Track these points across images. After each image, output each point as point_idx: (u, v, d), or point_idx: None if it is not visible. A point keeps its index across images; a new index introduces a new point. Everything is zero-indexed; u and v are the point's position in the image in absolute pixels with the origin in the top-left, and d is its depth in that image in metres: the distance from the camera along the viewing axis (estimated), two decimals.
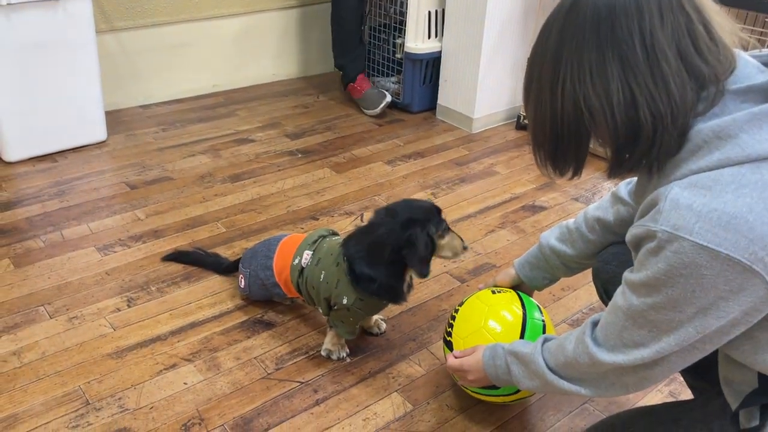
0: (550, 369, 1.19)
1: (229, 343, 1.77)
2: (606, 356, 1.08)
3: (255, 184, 2.58)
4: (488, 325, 1.46)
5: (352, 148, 2.91)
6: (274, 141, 2.94)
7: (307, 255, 1.71)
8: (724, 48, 0.95)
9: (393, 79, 3.42)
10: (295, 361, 1.72)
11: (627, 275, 1.05)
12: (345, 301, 1.61)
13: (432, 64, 3.21)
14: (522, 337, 1.45)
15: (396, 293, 1.60)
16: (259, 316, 1.87)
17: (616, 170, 1.03)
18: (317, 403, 1.60)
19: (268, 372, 1.68)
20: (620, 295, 1.06)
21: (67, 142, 2.71)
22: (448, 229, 1.59)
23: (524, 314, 1.47)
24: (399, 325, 1.87)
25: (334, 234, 1.80)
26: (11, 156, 2.60)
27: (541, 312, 1.52)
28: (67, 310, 1.85)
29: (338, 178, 2.66)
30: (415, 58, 3.15)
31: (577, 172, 1.06)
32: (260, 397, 1.60)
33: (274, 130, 3.05)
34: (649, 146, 0.96)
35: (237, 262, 1.94)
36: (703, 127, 0.94)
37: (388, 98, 3.23)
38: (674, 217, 0.92)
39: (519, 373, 1.26)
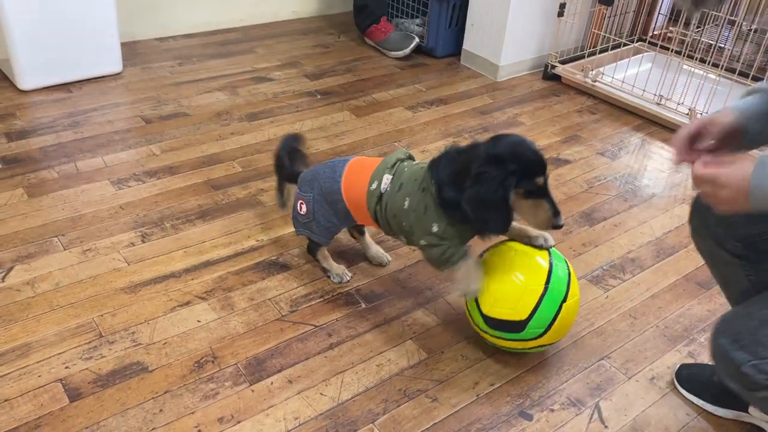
0: None
1: (244, 283, 1.75)
2: None
3: (272, 124, 2.52)
4: (515, 271, 1.46)
5: (372, 92, 2.83)
6: (293, 81, 2.87)
7: (386, 179, 1.54)
8: None
9: (417, 21, 3.31)
10: (309, 304, 1.70)
11: None
12: (435, 229, 1.46)
13: (459, 6, 3.09)
14: (547, 286, 1.43)
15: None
16: (274, 258, 1.85)
17: None
18: (331, 347, 1.58)
19: (282, 314, 1.66)
20: None
21: (82, 73, 2.65)
22: (540, 194, 1.38)
23: (551, 264, 1.47)
24: (416, 274, 1.83)
25: (410, 158, 1.63)
26: (25, 84, 2.54)
27: (567, 265, 1.51)
28: (81, 242, 1.83)
29: (358, 122, 2.59)
30: None
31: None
32: (273, 339, 1.59)
33: (293, 70, 2.96)
34: None
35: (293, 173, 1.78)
36: None
37: (416, 40, 3.12)
38: None
39: None
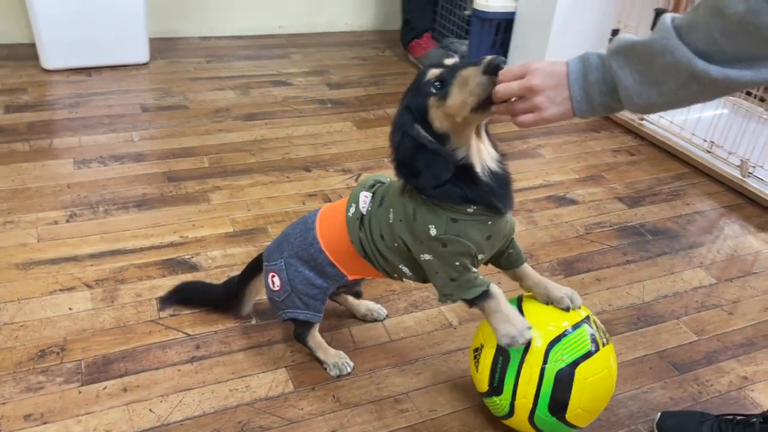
0: (698, 52, 0.77)
1: (141, 278, 1.62)
2: None
3: (266, 126, 2.41)
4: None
5: (388, 106, 2.65)
6: (312, 88, 2.75)
7: (365, 198, 1.25)
8: None
9: (467, 42, 3.09)
10: (195, 311, 1.54)
11: None
12: (434, 232, 1.12)
13: (504, 27, 2.84)
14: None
15: (473, 187, 1.10)
16: (188, 257, 1.71)
17: None
18: (192, 360, 1.41)
19: (160, 316, 1.51)
20: None
21: (107, 59, 2.70)
22: (447, 80, 1.07)
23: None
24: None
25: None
26: (49, 64, 2.63)
27: None
28: (9, 213, 1.80)
29: (356, 134, 2.42)
30: (484, 17, 2.79)
31: None
32: (135, 340, 1.44)
33: (317, 77, 2.85)
34: None
35: (247, 274, 1.47)
36: None
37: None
38: None
39: (632, 81, 0.84)
